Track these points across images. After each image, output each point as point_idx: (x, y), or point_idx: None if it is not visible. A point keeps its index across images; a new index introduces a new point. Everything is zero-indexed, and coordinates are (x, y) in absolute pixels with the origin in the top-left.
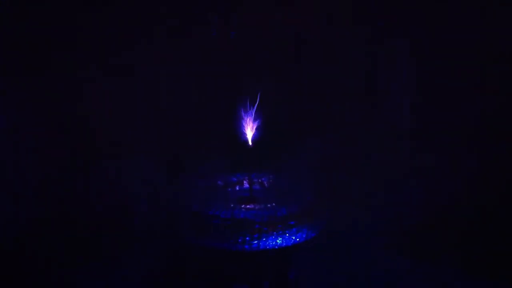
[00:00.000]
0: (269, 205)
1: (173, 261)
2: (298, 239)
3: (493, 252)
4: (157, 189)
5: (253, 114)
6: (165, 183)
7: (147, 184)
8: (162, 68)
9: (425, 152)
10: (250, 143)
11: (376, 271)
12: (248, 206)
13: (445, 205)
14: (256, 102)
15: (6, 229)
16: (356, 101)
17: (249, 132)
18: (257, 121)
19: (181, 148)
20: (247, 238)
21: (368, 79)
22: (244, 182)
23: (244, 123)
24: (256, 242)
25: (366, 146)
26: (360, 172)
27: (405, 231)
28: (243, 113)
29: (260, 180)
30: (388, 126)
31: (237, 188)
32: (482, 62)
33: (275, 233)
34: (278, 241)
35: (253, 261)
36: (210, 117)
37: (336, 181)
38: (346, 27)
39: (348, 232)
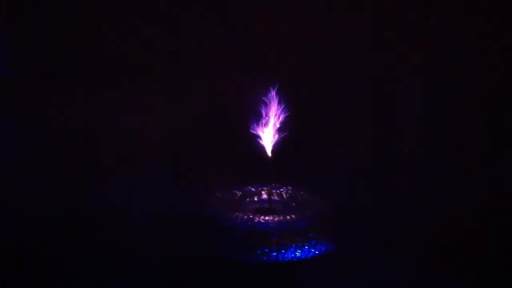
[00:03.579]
0: (288, 217)
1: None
2: (317, 252)
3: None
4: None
5: (274, 121)
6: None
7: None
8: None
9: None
10: (269, 153)
11: (383, 278)
12: (266, 217)
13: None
14: (276, 109)
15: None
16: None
17: (269, 142)
18: (277, 130)
19: (195, 157)
20: (266, 250)
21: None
22: (263, 193)
23: (263, 132)
24: (275, 254)
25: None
26: (377, 186)
27: (416, 242)
28: (262, 121)
29: (279, 191)
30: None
31: (256, 199)
32: None
33: (294, 245)
34: (297, 253)
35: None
36: (228, 125)
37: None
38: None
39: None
